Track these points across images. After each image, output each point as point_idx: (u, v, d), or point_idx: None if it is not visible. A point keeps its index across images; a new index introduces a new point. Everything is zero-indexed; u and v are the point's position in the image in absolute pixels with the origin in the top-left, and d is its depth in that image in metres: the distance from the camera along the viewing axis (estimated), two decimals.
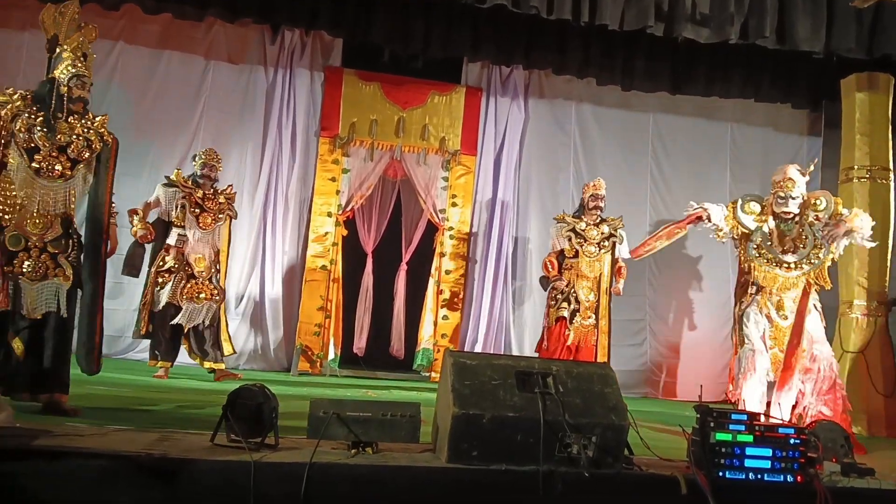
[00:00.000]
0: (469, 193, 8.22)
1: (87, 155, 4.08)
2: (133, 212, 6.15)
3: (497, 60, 8.21)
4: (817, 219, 5.16)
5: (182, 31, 7.71)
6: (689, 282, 8.57)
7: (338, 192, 7.93)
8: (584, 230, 6.86)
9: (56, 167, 3.99)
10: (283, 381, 6.72)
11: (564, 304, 6.75)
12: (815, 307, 5.12)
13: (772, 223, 5.23)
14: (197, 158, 6.50)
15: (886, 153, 6.94)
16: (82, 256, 4.13)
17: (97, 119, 4.18)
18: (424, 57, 7.91)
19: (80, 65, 4.13)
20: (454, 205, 8.15)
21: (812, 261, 5.07)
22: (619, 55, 7.93)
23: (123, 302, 7.45)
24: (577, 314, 6.70)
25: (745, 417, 3.04)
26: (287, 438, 3.03)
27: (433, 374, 7.62)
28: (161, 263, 6.22)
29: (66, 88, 4.07)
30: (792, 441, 2.99)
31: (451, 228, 8.12)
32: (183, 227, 6.24)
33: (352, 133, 7.96)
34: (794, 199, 5.14)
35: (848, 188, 6.99)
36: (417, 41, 7.55)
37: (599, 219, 6.93)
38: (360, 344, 7.82)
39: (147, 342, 7.31)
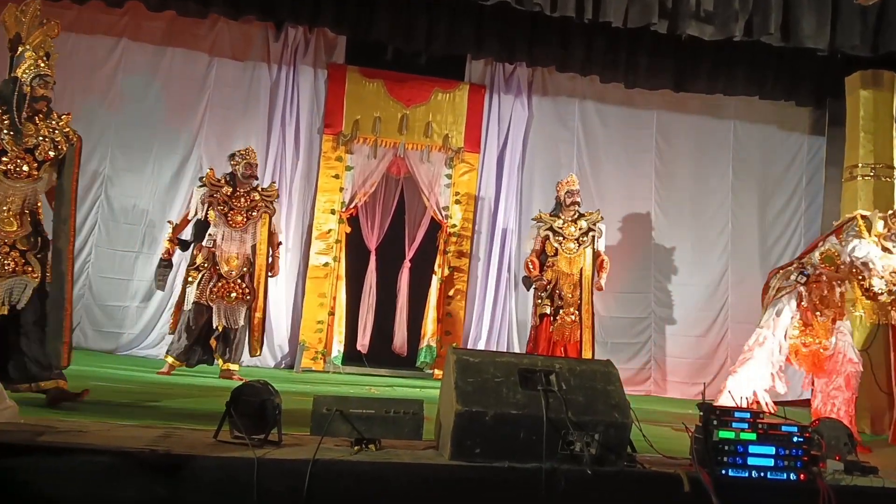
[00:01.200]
0: (472, 191, 8.22)
1: (52, 155, 4.09)
2: (171, 224, 6.20)
3: (500, 58, 8.20)
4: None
5: (186, 28, 7.72)
6: (693, 280, 8.56)
7: (341, 189, 7.93)
8: (561, 228, 6.87)
9: (23, 168, 4.02)
10: (287, 377, 6.73)
11: (547, 302, 6.77)
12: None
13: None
14: (237, 157, 6.29)
15: (890, 151, 6.93)
16: (49, 254, 4.12)
17: (62, 118, 4.19)
18: (427, 54, 7.91)
19: (42, 64, 4.12)
20: (457, 202, 8.16)
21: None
22: (622, 52, 7.91)
23: (126, 299, 7.48)
24: (561, 310, 6.71)
25: (748, 415, 3.04)
26: (290, 435, 3.04)
27: (436, 372, 7.62)
28: (191, 262, 6.16)
29: (28, 88, 4.05)
30: (795, 439, 2.98)
31: (454, 226, 8.13)
32: (215, 225, 6.12)
33: (355, 130, 7.96)
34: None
35: (852, 186, 6.99)
36: (420, 38, 7.54)
37: (577, 214, 6.93)
38: (363, 341, 7.82)
39: (149, 339, 7.41)
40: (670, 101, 8.56)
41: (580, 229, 6.86)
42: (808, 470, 2.97)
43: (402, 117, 8.07)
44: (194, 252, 6.16)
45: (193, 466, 2.62)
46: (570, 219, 6.90)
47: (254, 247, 6.23)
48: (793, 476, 2.96)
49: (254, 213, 6.21)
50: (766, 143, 8.82)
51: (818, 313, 5.11)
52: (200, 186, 6.21)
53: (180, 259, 6.64)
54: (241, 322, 6.15)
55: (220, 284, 6.05)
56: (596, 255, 6.88)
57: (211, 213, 6.11)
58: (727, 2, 6.63)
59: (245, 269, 6.16)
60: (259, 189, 6.34)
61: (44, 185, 4.14)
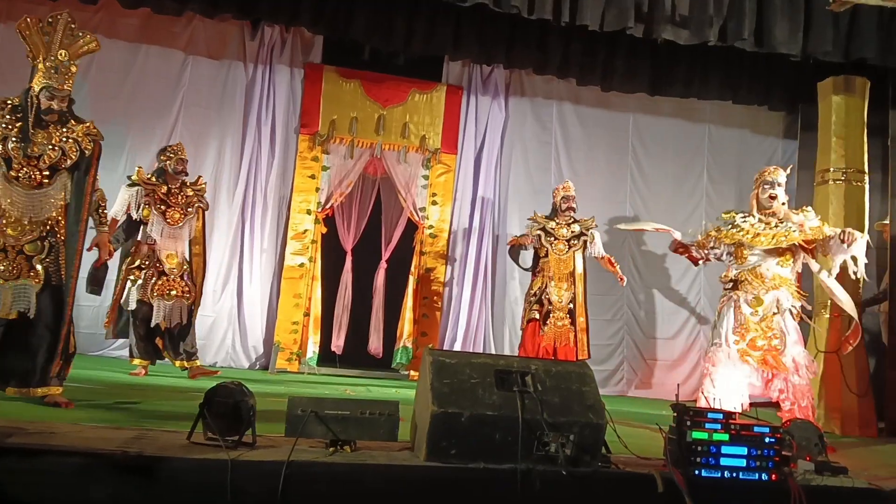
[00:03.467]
0: (449, 192, 8.22)
1: (66, 163, 4.17)
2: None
3: (478, 59, 8.21)
4: (801, 226, 5.08)
5: (161, 25, 7.64)
6: (666, 282, 8.64)
7: (317, 189, 7.90)
8: (553, 229, 6.94)
9: (34, 176, 4.10)
10: (261, 378, 6.69)
11: (536, 307, 6.81)
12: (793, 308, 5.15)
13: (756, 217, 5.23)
14: (168, 153, 6.31)
15: (861, 156, 7.02)
16: (60, 259, 4.18)
17: (78, 127, 4.25)
18: (405, 55, 7.90)
19: (54, 76, 4.17)
20: (434, 203, 8.16)
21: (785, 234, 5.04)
22: (599, 55, 7.95)
23: (98, 299, 7.36)
24: (551, 315, 6.74)
25: (720, 416, 3.07)
26: (265, 437, 3.02)
27: (412, 373, 7.62)
28: (131, 261, 6.12)
29: (36, 100, 4.14)
30: (767, 440, 3.02)
31: (431, 227, 8.13)
32: (153, 224, 6.12)
33: (332, 130, 7.94)
34: (780, 185, 5.16)
35: (823, 190, 7.07)
36: (398, 39, 7.52)
37: (572, 219, 7.02)
38: (338, 342, 7.79)
39: (120, 339, 7.30)
40: (646, 104, 8.63)
41: (572, 232, 6.95)
42: (779, 470, 3.01)
43: (378, 118, 8.06)
44: (133, 250, 6.13)
45: (166, 468, 2.60)
46: (564, 222, 6.98)
47: (189, 242, 6.30)
48: (764, 476, 3.00)
49: (189, 210, 6.26)
50: (741, 147, 8.92)
51: (750, 312, 5.14)
52: (130, 185, 6.16)
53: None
54: (184, 320, 6.17)
55: (160, 282, 6.08)
56: (601, 257, 7.05)
57: (146, 211, 6.10)
58: (702, 7, 6.68)
59: (184, 266, 6.22)
60: (189, 185, 6.35)
61: (58, 192, 4.20)
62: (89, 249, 4.64)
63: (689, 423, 2.99)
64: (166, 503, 2.57)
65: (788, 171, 5.42)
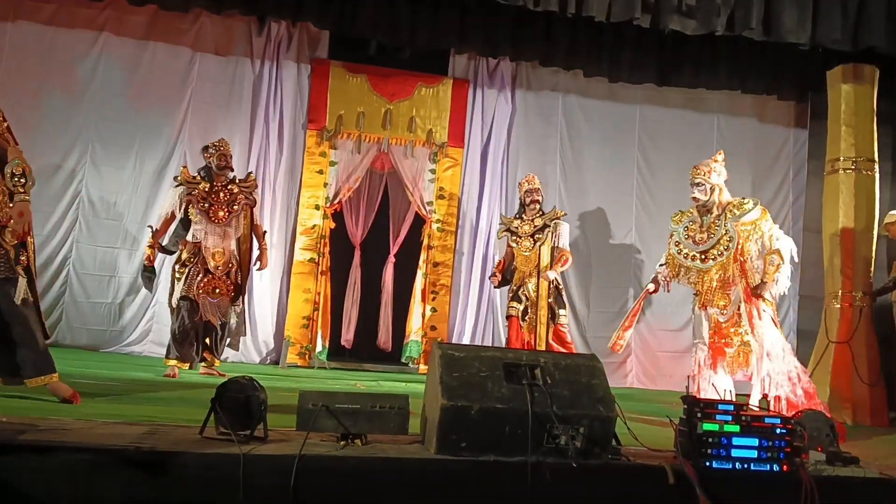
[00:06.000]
0: (456, 186, 8.22)
1: None
2: (151, 230, 6.10)
3: (484, 52, 8.19)
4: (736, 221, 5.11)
5: (168, 22, 7.66)
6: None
7: (325, 184, 7.91)
8: (517, 227, 6.86)
9: None
10: (272, 373, 6.72)
11: (514, 304, 6.74)
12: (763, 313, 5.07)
13: (695, 216, 5.29)
14: (210, 150, 6.19)
15: (871, 145, 6.98)
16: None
17: None
18: (411, 48, 7.90)
19: None
20: (441, 197, 8.15)
21: (722, 251, 5.07)
22: (605, 47, 7.94)
23: (108, 296, 7.42)
24: (528, 311, 6.67)
25: (732, 408, 3.06)
26: (276, 431, 3.03)
27: (421, 366, 7.63)
28: (178, 258, 6.05)
29: None
30: (778, 431, 3.01)
31: (438, 221, 8.12)
32: (197, 223, 6.01)
33: (339, 125, 7.94)
34: (698, 185, 5.19)
35: (833, 179, 7.04)
36: (404, 33, 7.52)
37: (539, 213, 6.87)
38: (348, 336, 7.81)
39: (132, 336, 7.36)
40: (653, 95, 8.59)
41: (535, 227, 6.80)
42: (790, 461, 2.99)
43: (385, 112, 8.06)
44: (180, 248, 6.06)
45: (179, 463, 2.61)
46: (529, 218, 6.86)
47: (238, 240, 6.16)
48: (776, 467, 2.99)
49: (235, 207, 6.10)
50: (749, 137, 8.86)
51: (716, 312, 5.15)
52: (177, 185, 6.10)
53: (162, 260, 6.55)
54: (229, 319, 6.10)
55: (205, 280, 5.97)
56: (557, 250, 6.77)
57: (191, 210, 6.01)
58: None
59: (231, 265, 6.09)
60: (237, 181, 6.24)
61: None
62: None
63: (699, 414, 2.98)
64: (179, 498, 2.58)
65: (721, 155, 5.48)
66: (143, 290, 7.06)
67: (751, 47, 7.55)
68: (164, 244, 6.15)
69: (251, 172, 6.64)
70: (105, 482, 2.54)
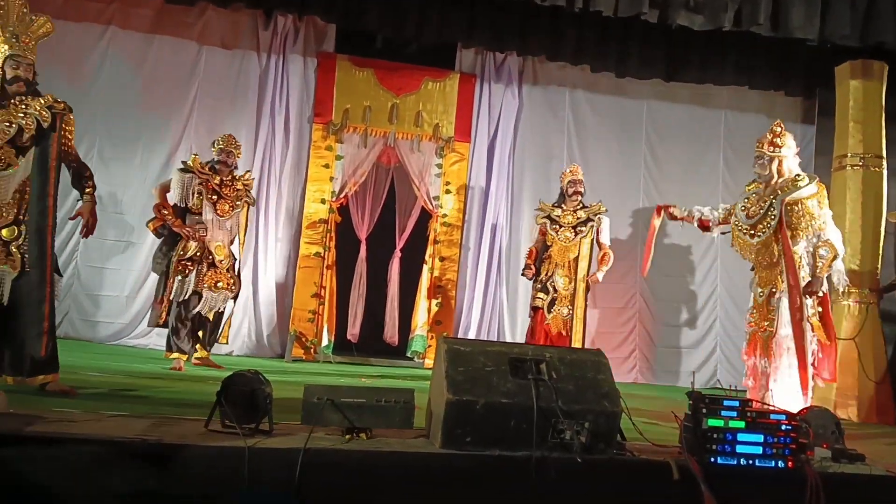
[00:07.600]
0: (463, 180, 8.21)
1: (24, 140, 4.03)
2: (157, 207, 6.06)
3: (491, 46, 8.18)
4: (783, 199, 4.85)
5: (174, 15, 7.67)
6: (679, 269, 8.59)
7: (331, 178, 7.91)
8: (559, 216, 6.81)
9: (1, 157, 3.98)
10: (278, 367, 6.72)
11: (541, 295, 6.70)
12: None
13: (760, 188, 5.15)
14: (215, 144, 6.24)
15: (879, 141, 6.95)
16: (30, 237, 4.05)
17: (34, 101, 4.11)
18: (418, 43, 7.89)
19: (16, 45, 4.08)
20: (448, 192, 8.15)
21: (766, 228, 4.90)
22: (613, 42, 7.92)
23: (115, 289, 7.45)
24: (556, 303, 6.65)
25: (736, 404, 3.05)
26: (281, 424, 3.04)
27: (427, 361, 7.64)
28: (182, 252, 5.96)
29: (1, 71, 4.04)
30: (783, 427, 3.01)
31: (444, 215, 8.12)
32: (199, 214, 6.01)
33: (345, 119, 7.94)
34: (758, 159, 5.08)
35: (841, 176, 7.01)
36: (411, 27, 7.52)
37: (581, 205, 6.85)
38: (353, 330, 7.82)
39: (138, 329, 7.36)
40: (661, 90, 8.57)
41: (578, 219, 6.76)
42: (796, 458, 2.99)
43: (392, 106, 8.05)
44: (182, 241, 6.00)
45: (184, 456, 2.62)
46: (570, 209, 6.83)
47: (234, 238, 6.24)
48: (781, 464, 2.98)
49: (238, 203, 6.19)
50: (758, 133, 8.71)
51: (759, 290, 4.99)
52: (185, 171, 6.05)
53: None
54: (223, 310, 6.16)
55: (209, 273, 6.01)
56: (600, 247, 6.79)
57: (196, 200, 6.01)
58: None
59: (230, 258, 6.16)
60: (241, 179, 6.29)
61: (25, 171, 4.05)
62: (72, 218, 4.52)
63: (704, 410, 2.98)
64: (184, 490, 2.59)
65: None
66: (149, 285, 7.08)
67: (758, 43, 7.51)
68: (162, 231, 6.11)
69: (249, 171, 6.64)
70: (111, 474, 2.55)
